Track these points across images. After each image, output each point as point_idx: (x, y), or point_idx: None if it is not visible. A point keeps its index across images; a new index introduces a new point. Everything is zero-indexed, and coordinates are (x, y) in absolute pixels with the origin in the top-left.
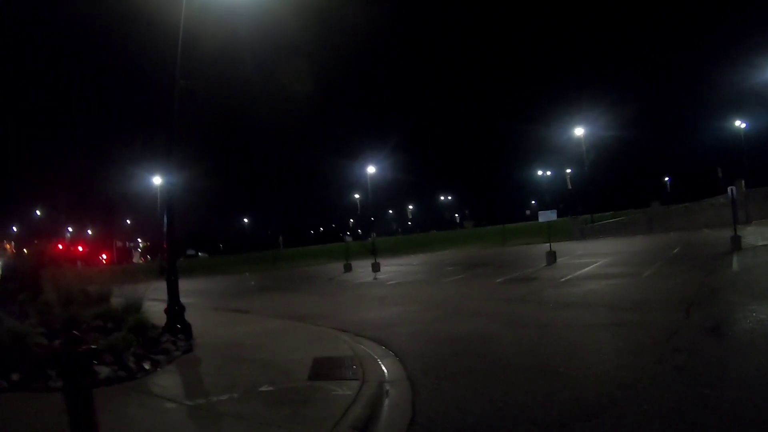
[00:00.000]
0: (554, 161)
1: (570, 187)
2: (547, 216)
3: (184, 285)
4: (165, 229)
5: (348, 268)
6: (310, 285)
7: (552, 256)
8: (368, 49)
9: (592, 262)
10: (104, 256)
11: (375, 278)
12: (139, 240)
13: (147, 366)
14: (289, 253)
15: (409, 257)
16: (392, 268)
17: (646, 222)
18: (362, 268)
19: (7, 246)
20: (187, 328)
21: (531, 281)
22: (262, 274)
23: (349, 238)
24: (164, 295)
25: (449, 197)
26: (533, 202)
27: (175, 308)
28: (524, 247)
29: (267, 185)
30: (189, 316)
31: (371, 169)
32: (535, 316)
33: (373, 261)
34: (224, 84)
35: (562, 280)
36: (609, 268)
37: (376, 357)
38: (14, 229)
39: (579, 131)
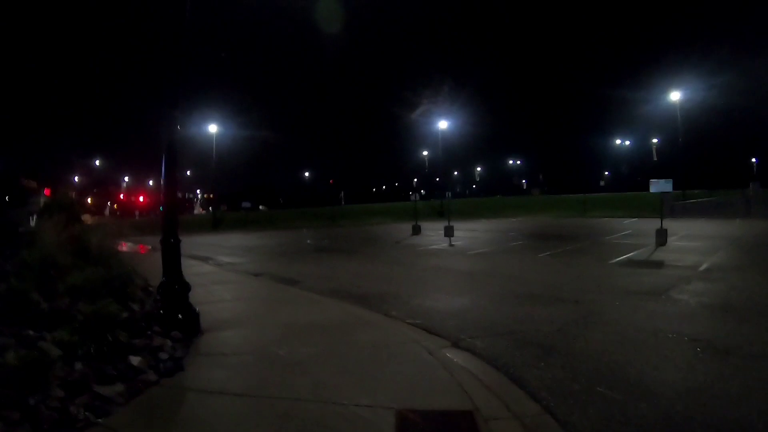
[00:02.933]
0: (634, 130)
1: (656, 158)
2: (661, 186)
3: (234, 240)
4: (163, 174)
5: (416, 231)
6: (373, 248)
7: (662, 235)
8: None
9: (717, 247)
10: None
11: (450, 245)
12: (198, 191)
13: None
14: (351, 210)
15: (480, 222)
16: (466, 233)
17: (743, 204)
18: (432, 232)
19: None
20: (190, 318)
21: (656, 267)
22: (320, 231)
23: (416, 197)
24: (211, 252)
25: (517, 162)
26: (606, 173)
27: (174, 287)
28: (606, 220)
29: (330, 139)
30: (220, 286)
31: (443, 124)
32: (721, 331)
33: (445, 224)
34: (291, 35)
35: (702, 269)
36: (744, 256)
37: (514, 415)
38: (76, 179)
39: (675, 96)
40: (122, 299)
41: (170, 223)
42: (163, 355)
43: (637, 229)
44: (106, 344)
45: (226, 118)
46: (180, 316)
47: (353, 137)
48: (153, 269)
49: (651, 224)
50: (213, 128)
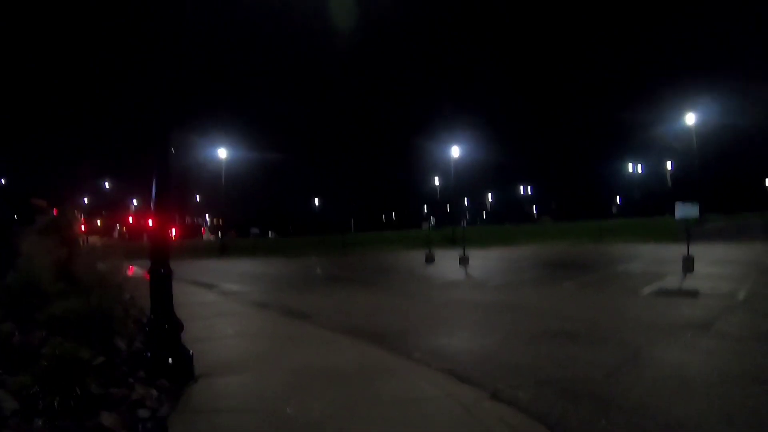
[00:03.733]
0: (647, 155)
1: (670, 183)
2: (686, 211)
3: (241, 267)
4: (153, 197)
5: (430, 260)
6: (387, 279)
7: (689, 262)
8: (457, 23)
9: (746, 273)
10: (173, 231)
11: (467, 275)
12: (207, 216)
13: None
14: (361, 238)
15: (493, 250)
16: (481, 262)
17: (762, 228)
18: (446, 260)
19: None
20: (182, 363)
21: (692, 297)
22: (331, 259)
23: (429, 225)
24: (216, 279)
25: (527, 189)
26: (618, 198)
27: (163, 326)
28: (622, 246)
29: (340, 167)
30: (222, 318)
31: (455, 151)
32: None
33: (459, 252)
34: (301, 59)
35: (740, 298)
36: None
37: None
38: (85, 200)
39: (690, 119)
40: (107, 334)
41: (160, 252)
42: (144, 412)
43: (657, 255)
44: (73, 397)
45: (236, 144)
46: (170, 360)
47: (363, 165)
48: None
49: (669, 250)
50: (222, 153)
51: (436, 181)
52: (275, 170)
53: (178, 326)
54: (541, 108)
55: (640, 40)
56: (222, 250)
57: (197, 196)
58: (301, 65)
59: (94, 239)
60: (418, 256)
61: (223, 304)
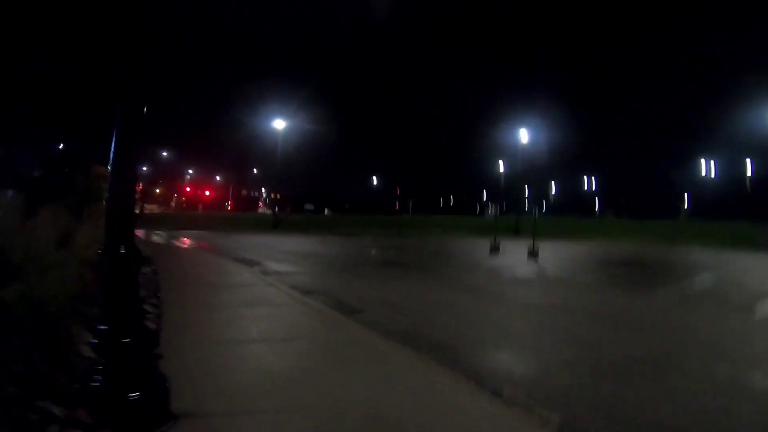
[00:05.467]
0: (724, 154)
1: (749, 185)
2: None
3: (291, 243)
4: (111, 159)
5: (495, 250)
6: (449, 268)
7: None
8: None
9: None
10: (229, 203)
11: (539, 270)
12: (263, 189)
13: None
14: (419, 221)
15: (560, 244)
16: (550, 255)
17: None
18: (512, 252)
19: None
20: (151, 398)
21: None
22: (386, 241)
23: (494, 211)
24: (261, 255)
25: (590, 182)
26: (687, 198)
27: (119, 341)
28: (701, 250)
29: (400, 147)
30: (251, 309)
31: (523, 136)
32: None
33: (528, 245)
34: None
35: None
36: None
37: None
38: (144, 168)
39: None
40: (53, 341)
41: (120, 226)
42: None
43: (747, 265)
44: None
45: (295, 118)
46: (130, 394)
47: (423, 145)
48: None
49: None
50: (279, 125)
51: (501, 166)
52: (334, 147)
53: (146, 339)
54: (610, 97)
55: (723, 33)
56: (274, 224)
57: (255, 169)
58: (366, 40)
59: (151, 207)
60: (480, 244)
61: (258, 288)
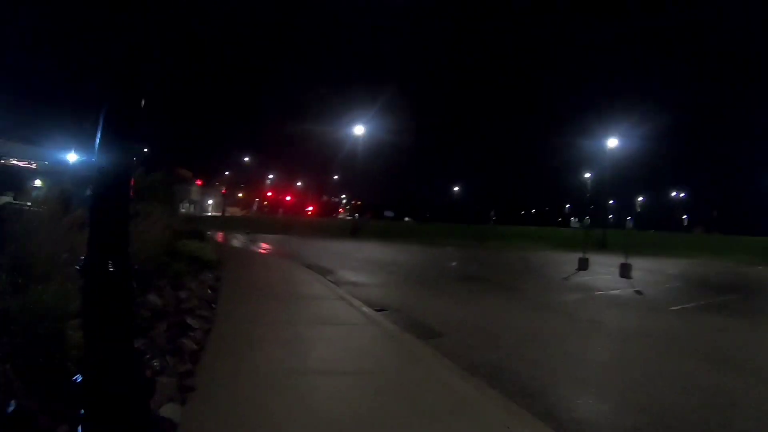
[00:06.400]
0: None
1: None
2: None
3: (368, 251)
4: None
5: (584, 265)
6: (536, 286)
7: None
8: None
9: None
10: (310, 208)
11: (635, 290)
12: (343, 195)
13: None
14: (501, 231)
15: (652, 260)
16: (643, 274)
17: None
18: (602, 268)
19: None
20: None
21: None
22: (468, 252)
23: (577, 223)
24: (337, 263)
25: (678, 196)
26: None
27: (108, 387)
28: None
29: (481, 156)
30: (312, 329)
31: (612, 144)
32: None
33: (620, 261)
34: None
35: None
36: None
37: None
38: (227, 173)
39: None
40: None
41: (109, 236)
42: None
43: None
44: None
45: (376, 125)
46: None
47: (506, 154)
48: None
49: None
50: (359, 130)
51: (586, 176)
52: (416, 155)
53: (143, 388)
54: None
55: None
56: (353, 231)
57: (335, 175)
58: (450, 46)
59: (233, 210)
60: (566, 259)
61: (327, 303)
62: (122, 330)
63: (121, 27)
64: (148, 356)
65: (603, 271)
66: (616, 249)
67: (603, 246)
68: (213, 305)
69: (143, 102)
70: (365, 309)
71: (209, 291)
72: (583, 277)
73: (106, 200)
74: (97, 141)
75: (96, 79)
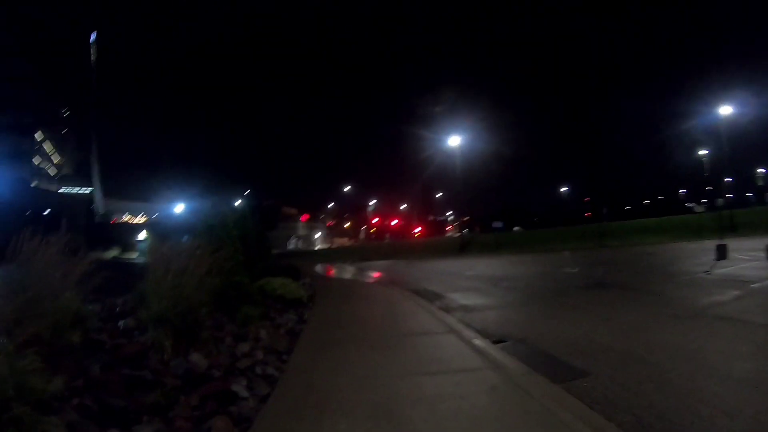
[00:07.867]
0: None
1: None
2: None
3: (479, 267)
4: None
5: (722, 254)
6: (678, 287)
7: None
8: None
9: None
10: (418, 230)
11: None
12: (448, 213)
13: None
14: (617, 227)
15: None
16: None
17: None
18: (742, 253)
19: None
20: None
21: None
22: (586, 255)
23: (700, 207)
24: (446, 284)
25: None
26: None
27: None
28: None
29: (584, 154)
30: (413, 385)
31: (725, 110)
32: None
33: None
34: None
35: None
36: None
37: None
38: (331, 204)
39: None
40: None
41: None
42: None
43: None
44: None
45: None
46: None
47: (609, 146)
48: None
49: None
50: (455, 141)
51: (702, 152)
52: (516, 163)
53: None
54: None
55: None
56: (461, 247)
57: (439, 193)
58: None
59: (342, 240)
60: (696, 248)
61: (434, 340)
62: None
63: None
64: None
65: (746, 257)
66: (747, 231)
67: (733, 230)
68: (285, 356)
69: None
70: (480, 342)
71: (286, 337)
72: (727, 268)
73: None
74: None
75: None
